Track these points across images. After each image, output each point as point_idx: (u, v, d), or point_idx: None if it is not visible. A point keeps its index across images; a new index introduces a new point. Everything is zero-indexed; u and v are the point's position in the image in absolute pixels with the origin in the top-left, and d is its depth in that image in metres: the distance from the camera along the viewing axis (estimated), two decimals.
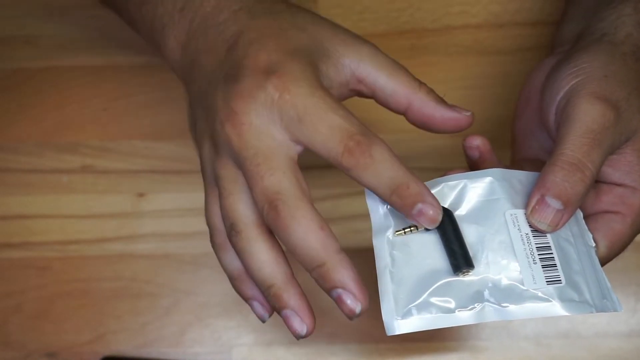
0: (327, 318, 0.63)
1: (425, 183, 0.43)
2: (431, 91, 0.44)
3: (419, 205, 0.39)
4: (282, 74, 0.40)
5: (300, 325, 0.41)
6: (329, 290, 0.40)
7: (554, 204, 0.40)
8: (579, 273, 0.41)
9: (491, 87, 0.64)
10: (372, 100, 0.66)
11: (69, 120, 0.66)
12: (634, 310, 0.62)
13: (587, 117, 0.42)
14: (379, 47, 0.45)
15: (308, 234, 0.39)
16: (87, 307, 0.63)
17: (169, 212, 0.65)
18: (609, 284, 0.42)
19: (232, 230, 0.42)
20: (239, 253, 0.42)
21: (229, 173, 0.42)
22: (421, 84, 0.44)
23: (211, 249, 0.64)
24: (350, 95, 0.45)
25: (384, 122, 0.65)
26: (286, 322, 0.41)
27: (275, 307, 0.42)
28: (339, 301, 0.40)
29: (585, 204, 0.45)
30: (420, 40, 0.65)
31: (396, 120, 0.65)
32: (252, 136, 0.40)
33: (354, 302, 0.40)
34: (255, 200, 0.40)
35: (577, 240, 0.42)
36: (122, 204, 0.65)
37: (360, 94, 0.45)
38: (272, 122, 0.40)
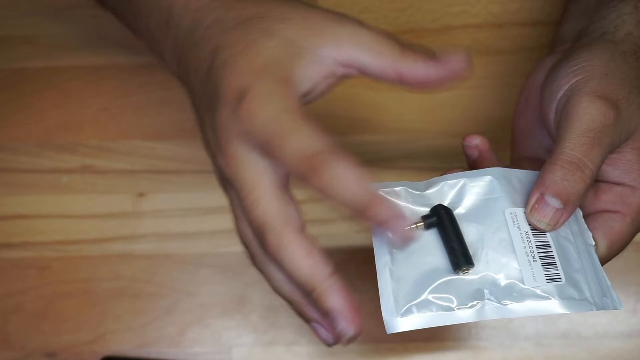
0: None
1: (424, 182, 0.43)
2: (417, 52, 0.42)
3: (389, 223, 0.38)
4: (250, 99, 0.39)
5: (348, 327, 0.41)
6: (325, 315, 0.40)
7: (554, 202, 0.40)
8: (579, 271, 0.41)
9: (491, 87, 0.64)
10: (371, 101, 0.66)
11: (69, 120, 0.66)
12: (634, 310, 0.62)
13: (587, 115, 0.41)
14: (359, 21, 0.43)
15: (296, 261, 0.39)
16: (87, 307, 0.63)
17: (168, 212, 0.65)
18: (609, 282, 0.42)
19: (248, 254, 0.43)
20: (262, 274, 0.43)
21: (233, 199, 0.42)
22: (404, 49, 0.42)
23: (211, 249, 0.64)
24: (341, 80, 0.44)
25: (383, 122, 0.65)
26: (316, 332, 0.42)
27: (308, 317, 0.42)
28: (334, 324, 0.40)
29: (585, 203, 0.45)
30: (420, 40, 0.65)
31: (396, 121, 0.66)
32: (238, 166, 0.40)
33: (346, 326, 0.40)
34: (252, 231, 0.41)
35: (576, 239, 0.42)
36: (122, 204, 0.65)
37: (352, 76, 0.44)
38: (251, 149, 0.40)
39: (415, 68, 0.41)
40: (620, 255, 0.62)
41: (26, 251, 0.64)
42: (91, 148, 0.65)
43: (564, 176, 0.40)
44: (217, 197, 0.64)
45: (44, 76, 0.67)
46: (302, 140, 0.38)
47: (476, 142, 0.46)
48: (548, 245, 0.41)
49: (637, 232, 0.45)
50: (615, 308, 0.41)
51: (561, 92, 0.44)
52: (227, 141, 0.40)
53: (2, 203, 0.65)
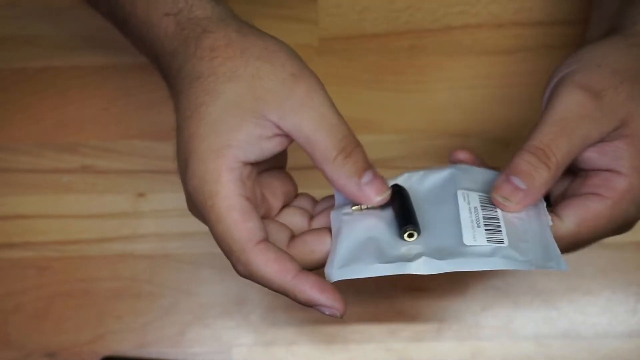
0: (327, 318, 0.63)
1: (396, 176, 0.45)
2: (347, 163, 0.41)
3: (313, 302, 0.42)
4: (189, 177, 0.43)
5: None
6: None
7: (517, 182, 0.42)
8: (527, 242, 0.41)
9: (491, 87, 0.65)
10: (371, 101, 0.66)
11: (69, 120, 0.66)
12: (633, 310, 0.62)
13: (562, 105, 0.42)
14: (313, 86, 0.42)
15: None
16: (87, 307, 0.63)
17: (169, 212, 0.65)
18: (558, 252, 0.41)
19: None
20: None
21: None
22: (339, 153, 0.41)
23: (211, 249, 0.64)
24: (290, 142, 0.43)
25: (383, 122, 0.65)
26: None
27: None
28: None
29: (571, 189, 0.45)
30: (420, 40, 0.65)
31: (395, 121, 0.66)
32: (194, 212, 0.45)
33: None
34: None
35: (531, 219, 0.43)
36: (122, 204, 0.65)
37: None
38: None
39: (338, 178, 0.41)
40: (620, 255, 0.62)
41: (26, 251, 0.64)
42: (91, 148, 0.65)
43: (529, 161, 0.41)
44: None
45: (44, 76, 0.67)
46: (221, 237, 0.42)
47: (460, 157, 0.47)
48: (496, 218, 0.42)
49: (621, 219, 0.44)
50: (559, 267, 0.41)
51: (552, 84, 0.45)
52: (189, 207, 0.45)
53: (2, 203, 0.65)
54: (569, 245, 0.44)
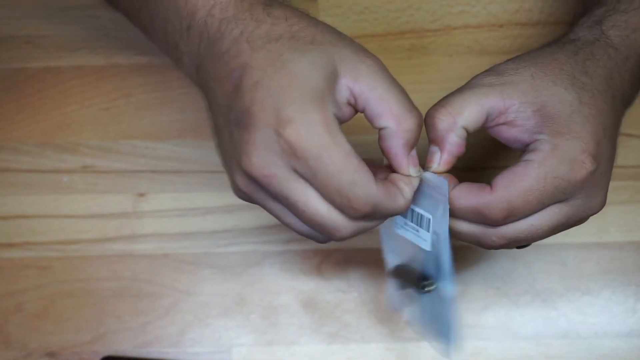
0: (327, 318, 0.63)
1: None
2: (409, 131, 0.44)
3: None
4: (292, 127, 0.41)
5: None
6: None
7: (432, 149, 0.46)
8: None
9: None
10: None
11: (69, 120, 0.66)
12: (633, 310, 0.63)
13: (468, 83, 0.47)
14: (379, 61, 0.45)
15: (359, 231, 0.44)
16: (87, 307, 0.63)
17: (169, 212, 0.65)
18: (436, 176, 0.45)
19: (317, 241, 0.46)
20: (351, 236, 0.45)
21: (276, 209, 0.45)
22: (407, 120, 0.44)
23: (211, 249, 0.64)
24: (353, 111, 0.45)
25: None
26: None
27: None
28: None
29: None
30: (420, 40, 0.65)
31: None
32: (282, 185, 0.42)
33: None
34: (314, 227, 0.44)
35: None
36: (122, 204, 0.65)
37: (355, 109, 0.45)
38: (291, 168, 0.42)
39: (394, 139, 0.44)
40: (619, 255, 0.62)
41: (27, 251, 0.64)
42: (91, 148, 0.66)
43: (433, 124, 0.46)
44: (217, 197, 0.65)
45: (44, 76, 0.67)
46: (345, 186, 0.42)
47: None
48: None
49: (551, 178, 0.45)
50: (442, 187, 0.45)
51: None
52: (262, 164, 0.42)
53: (3, 203, 0.65)
54: (505, 212, 0.45)
